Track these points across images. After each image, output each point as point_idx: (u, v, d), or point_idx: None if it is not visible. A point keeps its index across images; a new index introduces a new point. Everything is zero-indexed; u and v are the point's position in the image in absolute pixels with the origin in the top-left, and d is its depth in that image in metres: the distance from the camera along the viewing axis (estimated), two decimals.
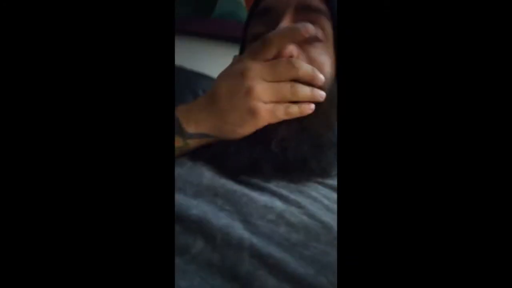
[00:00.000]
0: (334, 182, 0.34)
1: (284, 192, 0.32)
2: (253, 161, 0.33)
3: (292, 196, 0.31)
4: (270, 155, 0.33)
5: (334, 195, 0.33)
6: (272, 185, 0.32)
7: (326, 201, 0.31)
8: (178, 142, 0.34)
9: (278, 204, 0.30)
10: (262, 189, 0.32)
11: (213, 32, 0.94)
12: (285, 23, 0.36)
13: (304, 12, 0.37)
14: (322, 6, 0.37)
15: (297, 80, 0.33)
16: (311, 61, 0.36)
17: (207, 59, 0.93)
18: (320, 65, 0.36)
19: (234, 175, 0.33)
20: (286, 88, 0.32)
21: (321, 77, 0.34)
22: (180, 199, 0.30)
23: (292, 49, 0.34)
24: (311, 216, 0.29)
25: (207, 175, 0.33)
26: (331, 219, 0.29)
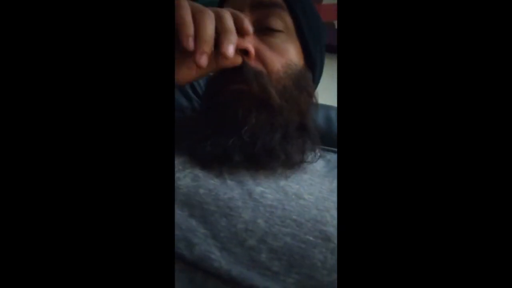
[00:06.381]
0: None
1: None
2: (225, 150, 0.33)
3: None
4: (240, 143, 0.33)
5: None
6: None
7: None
8: None
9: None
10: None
11: None
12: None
13: (260, 8, 0.38)
14: (278, 0, 0.39)
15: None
16: (273, 48, 0.37)
17: None
18: (283, 51, 0.38)
19: (206, 164, 0.34)
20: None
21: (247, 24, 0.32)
22: None
23: (248, 45, 0.34)
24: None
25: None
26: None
